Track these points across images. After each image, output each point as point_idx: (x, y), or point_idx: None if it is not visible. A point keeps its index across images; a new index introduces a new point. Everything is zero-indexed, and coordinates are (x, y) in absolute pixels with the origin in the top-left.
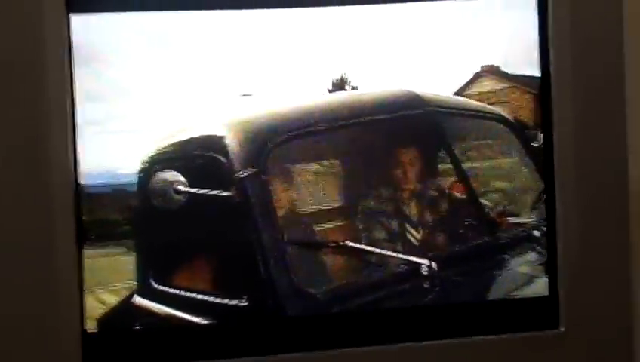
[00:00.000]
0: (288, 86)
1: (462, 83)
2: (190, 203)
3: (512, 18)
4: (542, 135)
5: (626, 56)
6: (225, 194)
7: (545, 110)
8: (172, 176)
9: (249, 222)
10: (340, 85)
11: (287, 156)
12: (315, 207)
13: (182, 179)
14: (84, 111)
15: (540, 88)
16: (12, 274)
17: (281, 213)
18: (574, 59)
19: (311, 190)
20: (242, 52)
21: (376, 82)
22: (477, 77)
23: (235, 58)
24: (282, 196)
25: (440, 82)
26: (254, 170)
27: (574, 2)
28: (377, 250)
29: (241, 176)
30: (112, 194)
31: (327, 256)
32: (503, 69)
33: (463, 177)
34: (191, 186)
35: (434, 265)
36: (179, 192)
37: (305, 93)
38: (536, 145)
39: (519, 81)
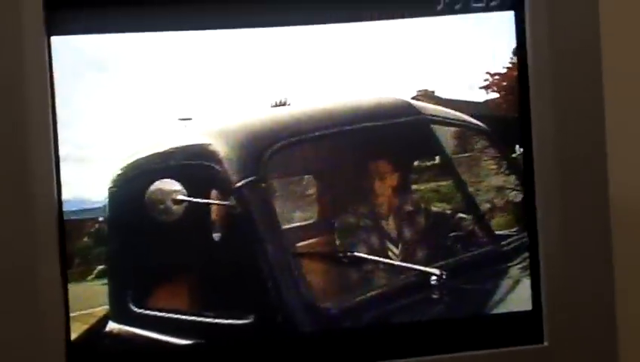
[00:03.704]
0: (269, 96)
1: None
2: (186, 215)
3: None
4: (521, 149)
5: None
6: (225, 203)
7: (524, 123)
8: (169, 185)
9: (252, 233)
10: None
11: (282, 165)
12: (305, 220)
13: (180, 188)
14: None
15: (519, 103)
16: None
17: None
18: (553, 65)
19: (302, 202)
20: (233, 64)
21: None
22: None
23: (224, 71)
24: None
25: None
26: (254, 177)
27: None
28: (385, 260)
29: (240, 184)
30: (96, 216)
31: (335, 268)
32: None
33: (457, 189)
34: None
35: (444, 275)
36: (178, 202)
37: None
38: (514, 156)
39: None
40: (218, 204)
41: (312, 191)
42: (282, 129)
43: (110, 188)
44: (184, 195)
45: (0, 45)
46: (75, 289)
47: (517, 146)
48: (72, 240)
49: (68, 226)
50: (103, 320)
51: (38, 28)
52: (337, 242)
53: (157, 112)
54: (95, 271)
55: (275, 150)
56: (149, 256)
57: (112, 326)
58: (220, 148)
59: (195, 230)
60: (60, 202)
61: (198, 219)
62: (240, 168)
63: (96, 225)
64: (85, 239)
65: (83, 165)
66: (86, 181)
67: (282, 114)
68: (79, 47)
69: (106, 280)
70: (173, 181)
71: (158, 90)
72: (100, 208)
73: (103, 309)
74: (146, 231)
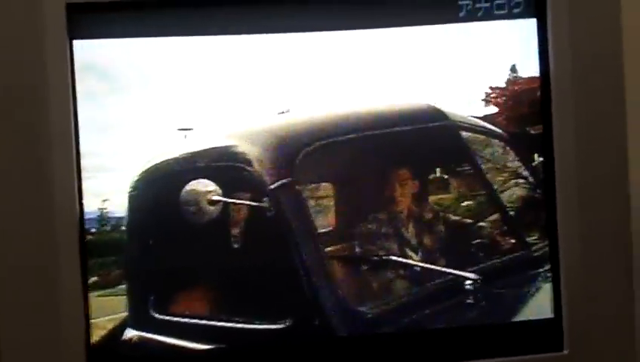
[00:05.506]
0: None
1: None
2: (214, 217)
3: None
4: (541, 158)
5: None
6: (259, 204)
7: (546, 131)
8: (204, 185)
9: (286, 235)
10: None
11: (315, 168)
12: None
13: (215, 188)
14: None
15: (541, 111)
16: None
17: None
18: (576, 73)
19: (335, 205)
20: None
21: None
22: None
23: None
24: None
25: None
26: (289, 179)
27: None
28: (421, 264)
29: (275, 186)
30: (116, 222)
31: (370, 271)
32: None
33: (480, 196)
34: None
35: (480, 279)
36: (211, 203)
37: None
38: (535, 164)
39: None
40: (251, 205)
41: (344, 193)
42: (314, 132)
43: (130, 193)
44: (219, 195)
45: (22, 48)
46: (95, 296)
47: (536, 155)
48: (93, 247)
49: (88, 233)
50: (123, 326)
51: (60, 31)
52: (368, 246)
53: (173, 117)
54: (115, 278)
55: (309, 152)
56: (176, 260)
57: (131, 332)
58: (249, 149)
59: (225, 232)
60: (81, 209)
61: (228, 221)
62: (273, 170)
63: (117, 232)
64: (106, 246)
65: (100, 172)
66: (105, 188)
67: (311, 117)
68: (92, 51)
69: (125, 287)
70: (207, 181)
71: (174, 95)
72: (119, 214)
73: (123, 315)
74: (171, 235)
